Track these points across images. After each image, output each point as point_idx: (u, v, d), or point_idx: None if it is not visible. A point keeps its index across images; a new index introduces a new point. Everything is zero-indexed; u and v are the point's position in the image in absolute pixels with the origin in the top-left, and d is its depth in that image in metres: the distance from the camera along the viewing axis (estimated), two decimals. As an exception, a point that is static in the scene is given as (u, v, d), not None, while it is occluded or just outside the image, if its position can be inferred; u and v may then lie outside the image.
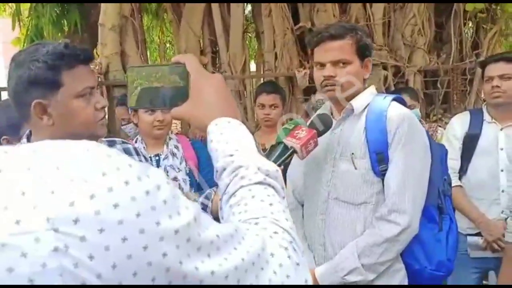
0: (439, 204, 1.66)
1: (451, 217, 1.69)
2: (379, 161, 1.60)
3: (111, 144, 1.39)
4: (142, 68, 0.85)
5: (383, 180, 1.61)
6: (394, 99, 1.68)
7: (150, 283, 0.47)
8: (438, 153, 1.73)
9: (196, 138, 2.78)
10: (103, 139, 1.36)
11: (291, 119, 1.69)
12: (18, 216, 0.42)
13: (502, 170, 2.25)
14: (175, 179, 2.21)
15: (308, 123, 1.57)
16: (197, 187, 2.25)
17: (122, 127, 3.34)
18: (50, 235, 0.42)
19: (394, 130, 1.58)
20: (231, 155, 0.71)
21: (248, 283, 0.55)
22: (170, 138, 2.29)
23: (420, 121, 2.90)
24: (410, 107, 2.85)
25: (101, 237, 0.44)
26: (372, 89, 1.74)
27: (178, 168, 2.24)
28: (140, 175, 0.48)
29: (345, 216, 1.65)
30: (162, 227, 0.47)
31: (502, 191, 2.26)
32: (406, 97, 2.87)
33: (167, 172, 2.22)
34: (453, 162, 2.30)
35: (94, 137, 1.21)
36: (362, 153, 1.62)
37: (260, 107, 2.68)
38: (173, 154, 2.27)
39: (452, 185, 2.21)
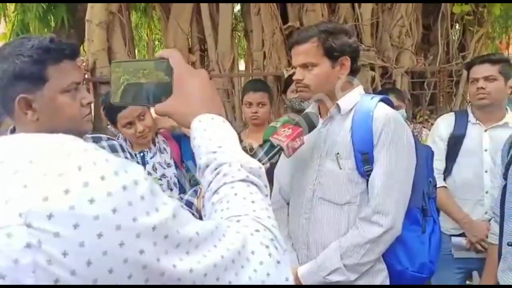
0: (423, 206, 1.68)
1: (435, 219, 1.70)
2: (364, 161, 1.60)
3: (97, 140, 1.38)
4: (125, 63, 0.83)
5: (367, 180, 1.61)
6: (381, 100, 1.68)
7: (126, 280, 0.46)
8: (424, 155, 1.74)
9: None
10: (88, 135, 1.35)
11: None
12: None
13: (486, 171, 2.28)
14: (163, 176, 2.19)
15: (294, 121, 1.58)
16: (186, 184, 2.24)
17: (108, 127, 3.31)
18: (22, 230, 0.41)
19: (380, 130, 1.59)
20: (214, 152, 0.70)
21: (227, 281, 0.54)
22: (155, 153, 2.26)
23: (405, 121, 2.93)
24: (396, 107, 2.86)
25: (76, 233, 0.42)
26: (359, 89, 1.74)
27: (169, 164, 2.22)
28: (118, 170, 0.47)
29: (329, 216, 1.65)
30: (139, 223, 0.47)
31: (486, 192, 2.28)
32: (392, 98, 2.86)
33: (155, 169, 2.20)
34: (438, 163, 2.31)
35: (79, 133, 1.19)
36: (348, 153, 1.62)
37: (247, 106, 2.62)
38: (161, 151, 2.25)
39: (437, 186, 2.24)
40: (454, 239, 2.36)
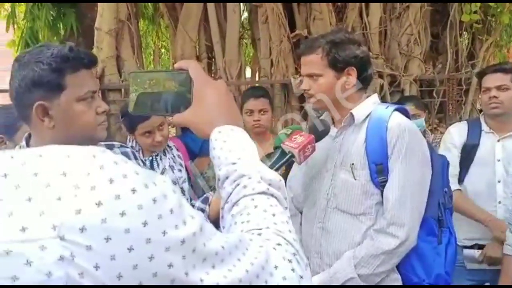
0: (439, 217, 1.66)
1: (451, 230, 1.68)
2: (378, 172, 1.59)
3: (110, 147, 1.39)
4: (144, 74, 0.85)
5: (382, 191, 1.60)
6: (396, 109, 1.67)
7: None
8: (439, 165, 1.72)
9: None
10: (102, 142, 1.36)
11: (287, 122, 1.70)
12: (24, 223, 0.41)
13: (499, 181, 2.25)
14: (173, 158, 2.21)
15: (305, 128, 1.58)
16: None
17: (122, 132, 3.32)
18: (56, 243, 0.41)
19: (394, 141, 1.57)
20: (234, 163, 0.70)
21: None
22: (167, 156, 2.28)
23: (424, 131, 2.90)
24: (415, 116, 2.83)
25: (108, 246, 0.43)
26: (374, 98, 1.73)
27: (180, 169, 2.23)
28: (147, 183, 0.47)
29: (343, 226, 1.65)
30: (169, 237, 0.46)
31: (499, 202, 2.25)
32: (411, 106, 2.85)
33: (170, 150, 2.22)
34: (452, 169, 2.28)
35: (93, 140, 1.21)
36: (362, 164, 1.61)
37: (248, 114, 2.52)
38: (171, 154, 2.26)
39: (452, 189, 2.20)
40: (466, 251, 2.32)
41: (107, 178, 0.45)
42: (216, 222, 0.73)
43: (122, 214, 0.44)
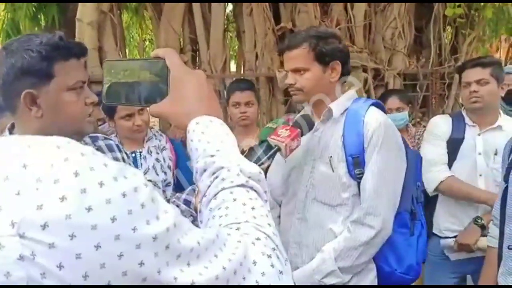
0: (412, 210, 1.72)
1: (422, 223, 1.76)
2: (355, 164, 1.63)
3: (94, 139, 1.37)
4: (118, 62, 0.81)
5: (359, 183, 1.64)
6: (372, 104, 1.71)
7: None
8: (413, 160, 1.79)
9: (176, 138, 2.70)
10: None
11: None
12: None
13: (480, 175, 2.27)
14: (157, 160, 2.18)
15: (291, 123, 1.60)
16: (176, 186, 2.21)
17: (100, 127, 3.27)
18: (15, 241, 0.38)
19: (370, 135, 1.62)
20: (212, 156, 0.67)
21: None
22: (149, 138, 2.24)
23: (407, 125, 2.92)
24: (398, 109, 2.84)
25: (72, 244, 0.40)
26: (352, 93, 1.77)
27: (164, 147, 2.20)
28: (117, 176, 0.44)
29: (321, 216, 1.69)
30: (139, 233, 0.44)
31: (481, 194, 2.27)
32: (395, 100, 2.86)
33: (151, 152, 2.19)
34: (442, 157, 2.29)
35: (80, 133, 1.20)
36: (340, 156, 1.65)
37: (235, 106, 2.53)
38: (155, 151, 2.22)
39: (446, 176, 2.22)
40: (443, 241, 2.35)
41: (72, 170, 0.42)
42: None
43: (89, 209, 0.41)
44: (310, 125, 1.64)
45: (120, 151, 1.42)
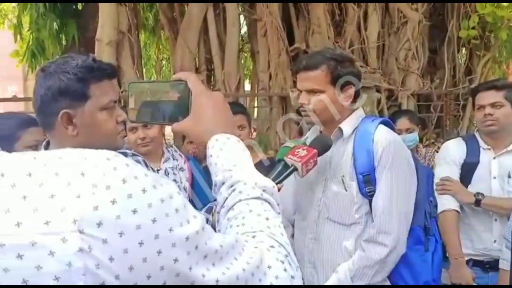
0: (426, 225, 1.71)
1: (436, 238, 1.73)
2: (366, 182, 1.63)
3: (124, 155, 1.41)
4: (143, 84, 0.88)
5: (370, 201, 1.64)
6: (381, 122, 1.72)
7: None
8: (424, 176, 1.78)
9: (189, 153, 2.72)
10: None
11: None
12: (48, 217, 0.45)
13: (495, 199, 2.23)
14: (174, 181, 2.20)
15: (309, 143, 1.60)
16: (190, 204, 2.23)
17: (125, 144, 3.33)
18: (76, 236, 0.45)
19: (380, 152, 1.62)
20: (230, 170, 0.74)
21: None
22: (167, 159, 2.27)
23: (417, 145, 2.91)
24: (409, 130, 2.83)
25: (121, 240, 0.46)
26: (360, 112, 1.77)
27: (181, 168, 2.23)
28: (155, 184, 0.51)
29: (335, 236, 1.68)
30: (175, 234, 0.50)
31: (495, 219, 2.24)
32: (405, 120, 2.85)
33: (168, 174, 2.22)
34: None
35: (113, 148, 1.25)
36: (351, 175, 1.65)
37: None
38: (172, 172, 2.25)
39: (443, 209, 2.20)
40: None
41: (121, 178, 0.48)
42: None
43: (134, 211, 0.47)
44: (328, 145, 1.65)
45: (146, 166, 1.46)
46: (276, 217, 0.71)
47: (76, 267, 0.44)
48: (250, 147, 2.52)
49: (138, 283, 0.47)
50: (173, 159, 2.25)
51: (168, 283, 0.50)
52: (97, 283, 0.45)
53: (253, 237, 0.65)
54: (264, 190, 0.73)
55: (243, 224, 0.68)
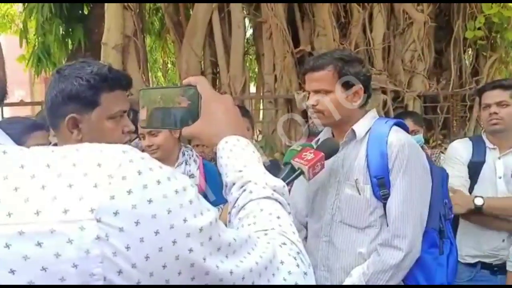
0: (440, 228, 1.69)
1: (451, 240, 1.72)
2: (380, 185, 1.62)
3: None
4: (153, 90, 0.91)
5: (384, 204, 1.63)
6: (395, 124, 1.70)
7: (176, 276, 0.50)
8: (439, 177, 1.75)
9: (206, 157, 2.71)
10: None
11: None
12: (66, 206, 0.45)
13: (501, 199, 2.22)
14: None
15: (316, 146, 1.59)
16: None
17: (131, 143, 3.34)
18: (93, 225, 0.45)
19: (394, 156, 1.60)
20: (240, 171, 0.75)
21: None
22: (179, 164, 2.27)
23: (422, 146, 2.90)
24: (413, 132, 2.83)
25: (137, 229, 0.47)
26: (373, 113, 1.76)
27: (192, 175, 2.23)
28: (170, 176, 0.52)
29: (349, 239, 1.67)
30: (189, 224, 0.51)
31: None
32: (409, 122, 2.84)
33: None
34: (461, 182, 2.26)
35: None
36: (365, 178, 1.64)
37: None
38: (187, 163, 2.25)
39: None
40: None
41: (136, 170, 0.49)
42: None
43: (150, 201, 0.48)
44: (335, 149, 1.63)
45: None
46: (287, 216, 0.72)
47: (94, 255, 0.45)
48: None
49: (154, 273, 0.48)
50: (186, 164, 2.24)
51: (183, 273, 0.50)
52: (114, 271, 0.46)
53: (265, 234, 0.66)
54: (274, 190, 0.74)
55: (255, 223, 0.69)
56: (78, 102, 1.16)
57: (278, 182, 0.76)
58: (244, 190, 0.73)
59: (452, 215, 1.78)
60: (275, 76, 4.18)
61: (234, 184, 0.75)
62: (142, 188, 0.48)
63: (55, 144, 1.31)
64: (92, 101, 1.17)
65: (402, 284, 1.63)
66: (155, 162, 0.53)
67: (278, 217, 0.70)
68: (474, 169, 2.28)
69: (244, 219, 0.70)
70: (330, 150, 1.58)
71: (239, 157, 0.77)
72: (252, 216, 0.70)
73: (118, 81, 1.21)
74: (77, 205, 0.46)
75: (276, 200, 0.73)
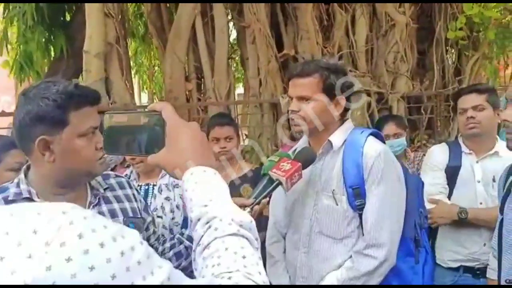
0: (416, 237, 1.71)
1: (427, 249, 1.74)
2: (356, 195, 1.63)
3: (106, 178, 1.42)
4: (118, 115, 0.86)
5: (360, 214, 1.64)
6: (371, 134, 1.71)
7: None
8: (414, 186, 1.77)
9: None
10: None
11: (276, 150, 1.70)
12: None
13: (480, 203, 2.25)
14: (167, 198, 2.21)
15: (293, 156, 1.59)
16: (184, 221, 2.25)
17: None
18: None
19: (370, 166, 1.62)
20: (206, 205, 0.72)
21: None
22: (163, 175, 2.28)
23: (405, 150, 2.92)
24: (396, 135, 2.84)
25: None
26: (349, 124, 1.76)
27: (176, 185, 2.23)
28: (115, 236, 0.49)
29: (328, 250, 1.68)
30: None
31: (483, 222, 2.25)
32: (392, 125, 2.86)
33: (161, 190, 2.21)
34: (439, 189, 2.29)
35: (91, 175, 1.27)
36: (341, 189, 1.65)
37: (214, 141, 2.50)
38: (166, 189, 2.25)
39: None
40: None
41: (77, 233, 0.47)
42: None
43: (91, 268, 0.45)
44: (312, 158, 1.64)
45: (130, 187, 1.46)
46: (253, 254, 0.69)
47: None
48: (234, 159, 2.55)
49: None
50: (173, 197, 2.24)
51: None
52: None
53: (229, 278, 0.64)
54: (241, 226, 0.71)
55: (219, 264, 0.66)
56: (47, 123, 1.14)
57: (245, 217, 0.73)
58: (209, 227, 0.71)
59: (427, 225, 1.81)
60: (260, 80, 4.18)
61: (199, 220, 0.72)
62: (82, 253, 0.46)
63: (28, 167, 1.27)
64: (61, 120, 1.15)
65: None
66: (100, 220, 0.50)
67: (244, 257, 0.67)
68: (452, 174, 2.31)
69: (209, 259, 0.68)
70: (307, 159, 1.59)
71: (204, 190, 0.74)
72: (216, 256, 0.67)
73: (85, 97, 1.19)
74: (8, 280, 0.43)
75: (242, 236, 0.70)
